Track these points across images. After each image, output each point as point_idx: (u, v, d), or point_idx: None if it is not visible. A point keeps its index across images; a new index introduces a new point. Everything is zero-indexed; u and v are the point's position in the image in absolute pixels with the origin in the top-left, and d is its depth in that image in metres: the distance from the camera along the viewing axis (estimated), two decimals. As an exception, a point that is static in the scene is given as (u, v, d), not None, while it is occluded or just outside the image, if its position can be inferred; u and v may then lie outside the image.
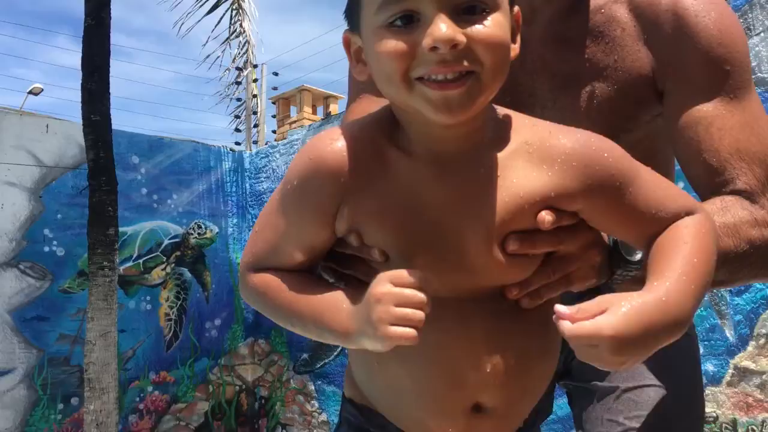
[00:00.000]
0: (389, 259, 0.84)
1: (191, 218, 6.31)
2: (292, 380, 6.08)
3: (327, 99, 6.91)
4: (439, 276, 0.81)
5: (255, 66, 7.15)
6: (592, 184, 0.81)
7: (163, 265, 6.03)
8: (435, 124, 0.78)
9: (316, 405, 5.83)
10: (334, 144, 0.84)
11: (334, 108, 6.90)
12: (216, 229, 6.46)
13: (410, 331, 0.75)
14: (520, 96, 1.09)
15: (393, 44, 0.76)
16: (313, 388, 5.87)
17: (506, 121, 0.86)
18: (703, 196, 0.99)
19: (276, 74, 7.72)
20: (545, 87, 1.10)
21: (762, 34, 3.52)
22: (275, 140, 6.89)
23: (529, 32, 1.06)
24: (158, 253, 6.01)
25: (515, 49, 0.81)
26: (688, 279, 0.75)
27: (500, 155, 0.83)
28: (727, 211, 0.94)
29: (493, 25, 0.76)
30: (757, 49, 3.45)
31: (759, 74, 3.42)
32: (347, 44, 0.87)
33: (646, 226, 0.84)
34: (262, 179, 6.66)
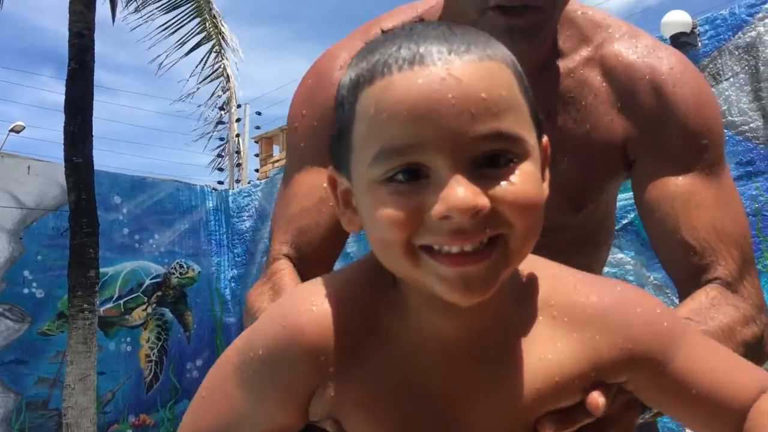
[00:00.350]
0: None
1: (173, 258, 6.29)
2: (274, 421, 6.03)
3: (309, 138, 6.97)
4: None
5: (239, 106, 7.22)
6: (633, 350, 0.66)
7: (144, 306, 5.99)
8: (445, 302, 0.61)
9: (299, 446, 5.78)
10: (315, 310, 0.66)
11: (317, 147, 6.97)
12: (198, 269, 6.45)
13: None
14: None
15: (393, 209, 0.58)
16: (295, 429, 5.82)
17: (525, 277, 0.70)
18: (680, 277, 0.96)
19: (259, 113, 7.78)
20: None
21: (731, 79, 3.62)
22: (258, 179, 6.92)
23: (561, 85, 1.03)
24: (139, 293, 5.98)
25: (545, 189, 0.64)
26: None
27: (521, 325, 0.67)
28: (719, 309, 0.89)
29: (523, 181, 0.59)
30: (726, 93, 3.55)
31: (729, 118, 3.52)
32: (332, 183, 0.68)
33: (713, 405, 0.68)
34: (245, 218, 6.68)
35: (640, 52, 1.00)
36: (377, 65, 0.61)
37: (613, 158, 1.01)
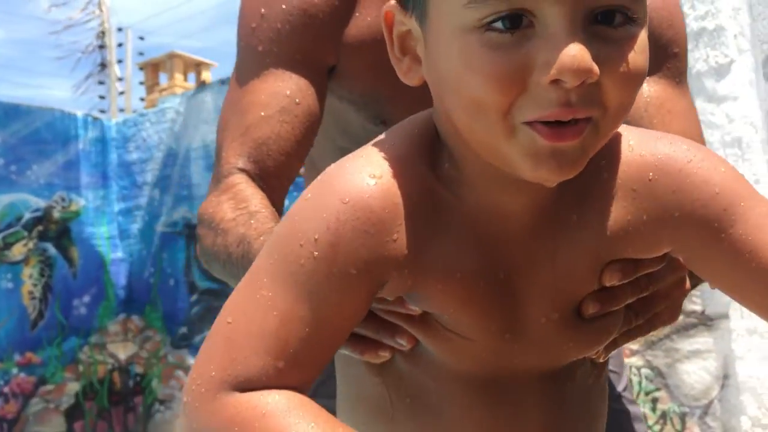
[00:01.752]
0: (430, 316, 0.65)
1: (54, 190, 5.95)
2: (169, 355, 5.95)
3: (198, 66, 6.70)
4: (498, 354, 0.66)
5: (119, 30, 6.80)
6: (682, 215, 0.62)
7: (25, 241, 5.66)
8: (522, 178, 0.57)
9: (197, 378, 5.75)
10: (378, 184, 0.59)
11: (207, 76, 6.71)
12: (82, 202, 6.14)
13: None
14: None
15: (494, 64, 0.51)
16: (192, 362, 5.77)
17: None
18: None
19: (142, 39, 7.37)
20: None
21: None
22: (144, 108, 6.61)
23: None
24: (19, 227, 5.64)
25: None
26: None
27: (576, 194, 0.64)
28: None
29: (638, 53, 0.54)
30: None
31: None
32: (389, 21, 0.60)
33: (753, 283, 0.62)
34: (131, 149, 6.39)
35: None
36: None
37: None
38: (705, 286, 0.90)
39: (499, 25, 0.51)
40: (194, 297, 5.92)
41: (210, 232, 0.95)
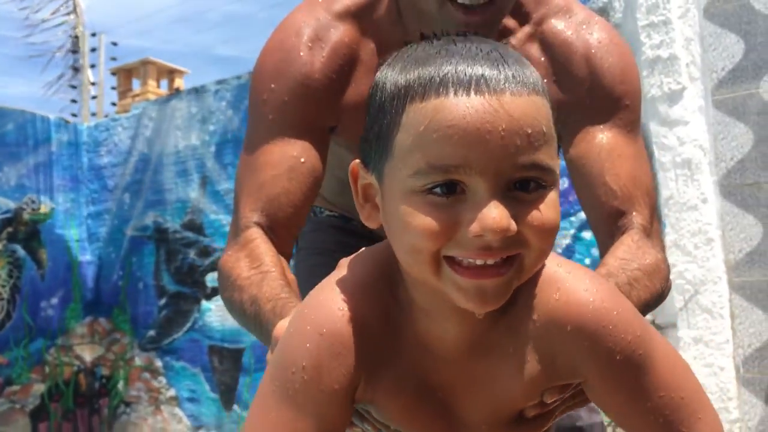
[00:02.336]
0: None
1: (23, 192, 5.97)
2: (137, 358, 6.00)
3: (172, 73, 6.78)
4: None
5: (93, 35, 6.83)
6: (596, 359, 0.73)
7: (-6, 242, 5.67)
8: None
9: (164, 381, 5.81)
10: (345, 313, 0.73)
11: (180, 83, 6.79)
12: (51, 205, 6.17)
13: None
14: None
15: (428, 220, 0.64)
16: (160, 364, 5.83)
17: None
18: (599, 217, 1.08)
19: (115, 44, 7.41)
20: None
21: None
22: (116, 113, 6.66)
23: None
24: (-13, 229, 5.65)
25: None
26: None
27: (509, 326, 0.76)
28: (644, 251, 1.02)
29: (548, 208, 0.66)
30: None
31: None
32: (354, 175, 0.75)
33: (657, 424, 0.73)
34: (102, 153, 6.44)
35: (574, 27, 1.14)
36: (432, 83, 0.64)
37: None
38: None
39: (438, 190, 0.65)
40: (163, 300, 5.99)
41: (229, 286, 1.11)
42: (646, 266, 1.01)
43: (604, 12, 4.04)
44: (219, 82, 5.80)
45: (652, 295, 1.01)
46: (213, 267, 5.75)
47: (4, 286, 5.69)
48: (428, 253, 0.65)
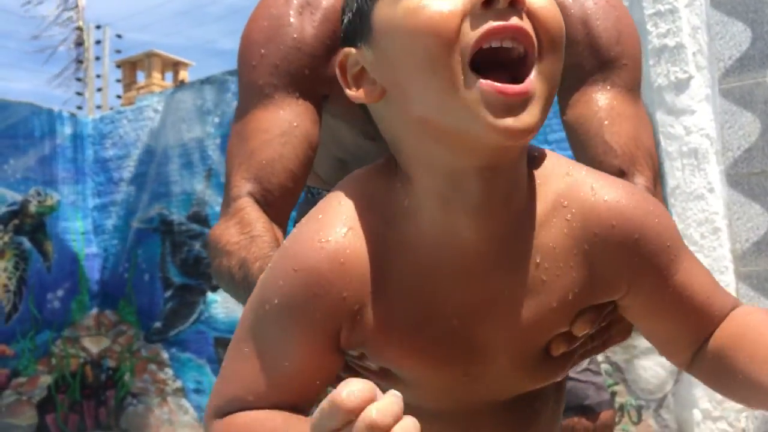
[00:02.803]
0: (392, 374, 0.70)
1: (30, 185, 5.99)
2: (143, 350, 6.02)
3: (176, 65, 6.78)
4: (452, 394, 0.71)
5: (98, 27, 6.83)
6: (641, 261, 0.67)
7: (0, 234, 5.69)
8: (477, 155, 0.60)
9: (171, 372, 5.83)
10: (326, 246, 0.63)
11: (184, 75, 6.79)
12: (57, 197, 6.18)
13: None
14: None
15: (433, 7, 0.58)
16: (166, 356, 5.85)
17: (538, 175, 0.68)
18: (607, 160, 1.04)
19: (120, 36, 7.40)
20: None
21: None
22: (121, 105, 6.67)
23: None
24: (-6, 220, 5.67)
25: None
26: None
27: (537, 230, 0.66)
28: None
29: (550, 4, 0.65)
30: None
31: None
32: (342, 67, 0.70)
33: (697, 318, 0.68)
34: (108, 146, 6.45)
35: None
36: None
37: None
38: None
39: None
40: (169, 292, 6.00)
41: (217, 253, 1.05)
42: None
43: (610, 1, 4.02)
44: (223, 74, 5.80)
45: None
46: (218, 259, 5.75)
47: (10, 279, 5.71)
48: (446, 54, 0.58)
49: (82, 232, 6.33)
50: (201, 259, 5.85)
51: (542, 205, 0.66)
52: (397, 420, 0.48)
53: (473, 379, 0.69)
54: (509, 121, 0.57)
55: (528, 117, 0.58)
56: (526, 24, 0.60)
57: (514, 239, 0.64)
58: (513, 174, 0.63)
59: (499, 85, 0.58)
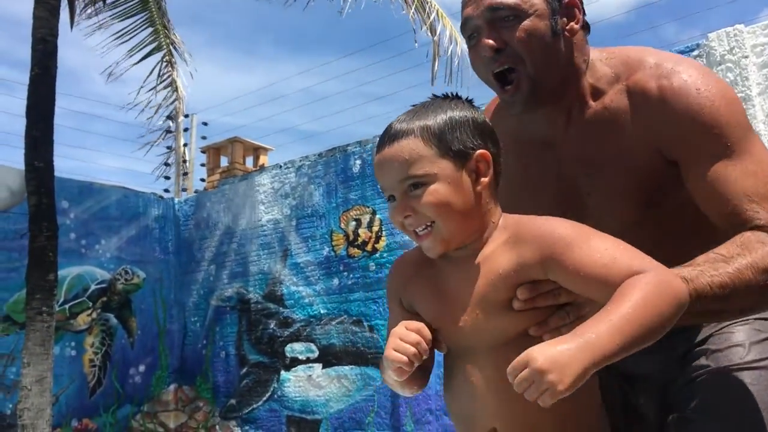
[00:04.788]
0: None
1: (118, 264, 6.32)
2: (218, 426, 6.13)
3: (257, 150, 7.12)
4: (456, 335, 1.09)
5: (186, 116, 7.30)
6: (543, 253, 1.01)
7: (89, 311, 6.00)
8: None
9: (243, 450, 5.90)
10: (408, 254, 1.20)
11: (264, 159, 7.12)
12: (143, 275, 6.49)
13: (400, 356, 1.04)
14: (567, 187, 1.29)
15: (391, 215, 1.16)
16: (239, 433, 5.93)
17: (502, 225, 1.10)
18: (727, 235, 1.10)
19: (206, 124, 7.88)
20: (583, 176, 1.26)
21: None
22: (205, 189, 7.02)
23: (566, 134, 1.28)
24: (84, 298, 5.99)
25: (470, 192, 1.06)
26: (617, 324, 0.89)
27: (492, 249, 1.08)
28: (746, 247, 1.05)
29: (428, 195, 1.05)
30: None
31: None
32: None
33: (598, 285, 0.97)
34: (191, 226, 6.77)
35: (655, 78, 1.20)
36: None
37: (649, 161, 1.20)
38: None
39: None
40: (244, 370, 6.14)
41: None
42: (743, 264, 1.03)
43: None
44: (301, 159, 6.06)
45: (735, 279, 1.03)
46: (292, 338, 5.88)
47: (96, 354, 5.97)
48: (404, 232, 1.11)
49: (165, 309, 6.59)
50: (275, 337, 5.99)
51: (499, 237, 1.09)
52: (414, 330, 1.07)
53: (460, 329, 1.07)
54: (425, 251, 1.16)
55: (432, 251, 1.13)
56: (416, 226, 1.10)
57: (480, 256, 1.09)
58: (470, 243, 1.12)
59: (418, 240, 1.16)
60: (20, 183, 5.08)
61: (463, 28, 1.28)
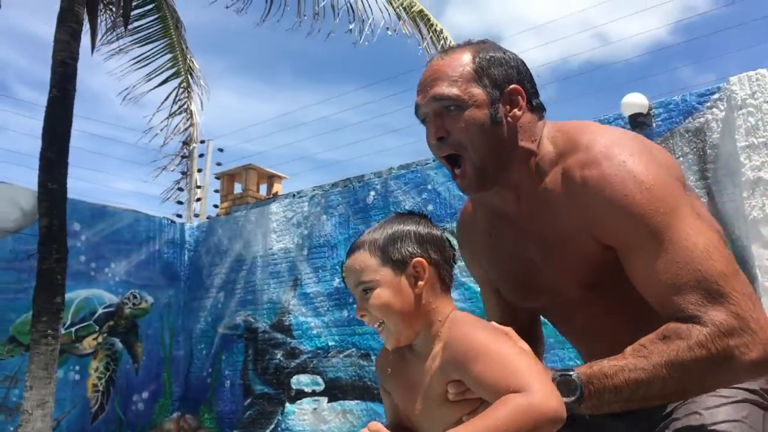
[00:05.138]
0: None
1: (127, 288, 6.28)
2: (219, 457, 6.02)
3: (271, 178, 7.11)
4: (417, 420, 1.24)
5: (202, 142, 7.31)
6: (457, 360, 1.14)
7: (95, 335, 5.95)
8: None
9: (244, 484, 5.78)
10: (382, 347, 1.28)
11: (278, 187, 7.10)
12: (151, 300, 6.44)
13: None
14: (522, 261, 1.34)
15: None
16: (241, 466, 5.82)
17: (451, 319, 1.20)
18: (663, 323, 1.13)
19: (221, 150, 7.89)
20: (535, 252, 1.31)
21: (681, 159, 4.00)
22: (217, 215, 6.99)
23: (519, 210, 1.32)
24: (91, 321, 5.94)
25: (410, 294, 1.18)
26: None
27: (439, 346, 1.19)
28: (666, 341, 1.09)
29: (374, 298, 1.19)
30: (676, 170, 3.91)
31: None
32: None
33: (490, 395, 1.08)
34: (202, 253, 6.73)
35: (581, 165, 1.22)
36: None
37: (587, 244, 1.22)
38: None
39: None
40: (248, 400, 6.04)
41: None
42: (657, 361, 1.08)
43: (700, 132, 4.00)
44: (313, 189, 6.04)
45: (664, 356, 1.08)
46: (299, 369, 5.79)
47: (100, 379, 5.90)
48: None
49: (171, 335, 6.53)
50: (281, 368, 5.90)
51: (437, 341, 1.21)
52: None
53: (417, 416, 1.23)
54: (384, 342, 1.25)
55: (388, 343, 1.24)
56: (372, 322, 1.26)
57: (425, 361, 1.21)
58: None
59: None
60: (33, 203, 5.07)
61: (416, 113, 1.35)
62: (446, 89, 1.28)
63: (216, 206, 7.17)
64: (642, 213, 1.14)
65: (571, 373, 1.12)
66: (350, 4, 5.40)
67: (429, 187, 5.35)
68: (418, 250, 1.21)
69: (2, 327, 5.35)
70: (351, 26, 5.35)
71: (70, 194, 4.58)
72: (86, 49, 5.32)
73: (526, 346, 1.18)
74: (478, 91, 1.28)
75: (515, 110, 1.30)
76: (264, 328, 6.17)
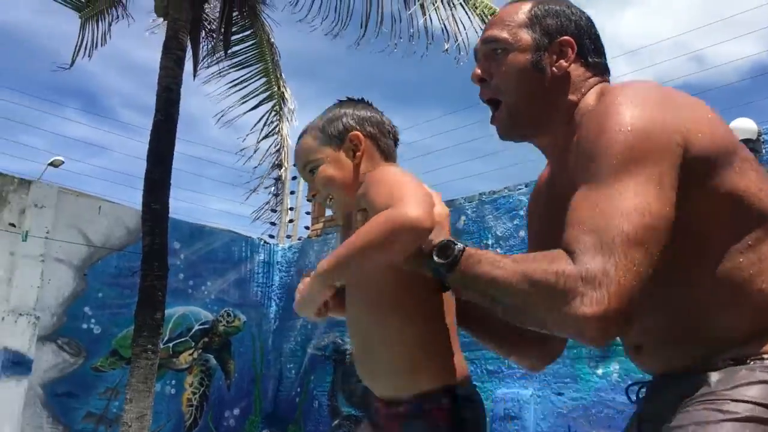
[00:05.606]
0: None
1: (222, 306, 6.46)
2: (306, 477, 6.06)
3: (362, 201, 7.18)
4: None
5: (294, 164, 7.46)
6: (364, 195, 1.27)
7: (191, 350, 6.14)
8: None
9: (330, 505, 5.79)
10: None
11: (368, 210, 7.17)
12: (244, 318, 6.60)
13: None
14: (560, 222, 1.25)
15: None
16: (328, 487, 5.84)
17: None
18: None
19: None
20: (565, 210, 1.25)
21: None
22: (309, 236, 7.12)
23: (559, 162, 1.30)
24: (188, 338, 6.14)
25: (350, 166, 1.32)
26: (340, 248, 1.20)
27: None
28: (537, 258, 1.09)
29: (321, 174, 1.32)
30: None
31: None
32: None
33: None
34: (293, 273, 6.85)
35: (586, 116, 1.22)
36: None
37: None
38: None
39: None
40: (336, 422, 6.07)
41: None
42: (521, 267, 1.08)
43: (753, 151, 3.77)
44: (405, 212, 6.04)
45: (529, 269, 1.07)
46: (386, 392, 5.76)
47: (195, 393, 6.08)
48: None
49: (262, 354, 6.65)
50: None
51: None
52: None
53: None
54: None
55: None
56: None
57: None
58: None
59: None
60: (137, 222, 5.31)
61: (475, 59, 1.39)
62: (497, 32, 1.31)
63: (307, 228, 7.29)
64: (601, 153, 1.11)
65: (458, 243, 1.14)
66: (444, 24, 5.42)
67: (521, 212, 5.27)
68: (355, 125, 1.35)
69: (106, 341, 5.60)
70: (446, 46, 5.35)
71: (170, 214, 4.78)
72: (187, 74, 5.57)
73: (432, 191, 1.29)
74: (526, 37, 1.29)
75: (561, 60, 1.29)
76: (351, 350, 6.20)
